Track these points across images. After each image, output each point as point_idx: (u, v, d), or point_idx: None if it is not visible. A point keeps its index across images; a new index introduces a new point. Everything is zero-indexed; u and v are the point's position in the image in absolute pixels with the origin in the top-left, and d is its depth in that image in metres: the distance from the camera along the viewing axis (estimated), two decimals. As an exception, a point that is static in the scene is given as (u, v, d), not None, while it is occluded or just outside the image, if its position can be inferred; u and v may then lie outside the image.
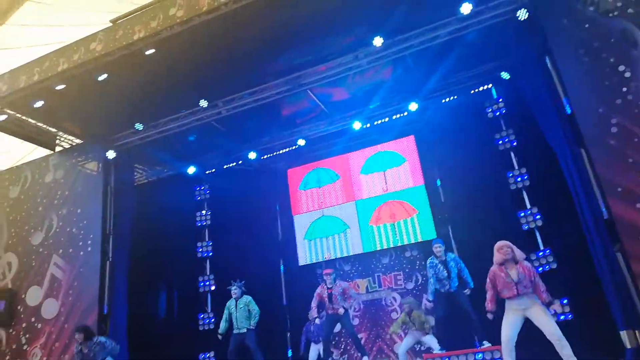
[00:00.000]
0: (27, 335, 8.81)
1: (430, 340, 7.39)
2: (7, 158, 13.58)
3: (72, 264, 8.96)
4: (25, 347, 8.74)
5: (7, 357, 8.81)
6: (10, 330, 8.98)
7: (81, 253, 8.97)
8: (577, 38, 6.35)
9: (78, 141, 10.15)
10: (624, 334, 5.77)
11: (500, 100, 8.65)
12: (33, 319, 8.87)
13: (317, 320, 8.44)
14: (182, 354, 9.30)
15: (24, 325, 8.92)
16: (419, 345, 8.62)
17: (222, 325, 7.68)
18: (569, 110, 6.35)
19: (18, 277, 9.36)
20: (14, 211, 9.96)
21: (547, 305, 5.07)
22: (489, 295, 5.21)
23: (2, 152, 13.72)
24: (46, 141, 10.26)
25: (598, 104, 6.07)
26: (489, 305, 5.21)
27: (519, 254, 5.14)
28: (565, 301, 7.08)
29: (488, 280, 5.20)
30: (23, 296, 9.13)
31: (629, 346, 5.69)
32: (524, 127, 8.06)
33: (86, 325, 7.22)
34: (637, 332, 5.78)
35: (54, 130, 9.97)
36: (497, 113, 8.61)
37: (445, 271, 6.74)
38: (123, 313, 8.75)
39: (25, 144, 11.52)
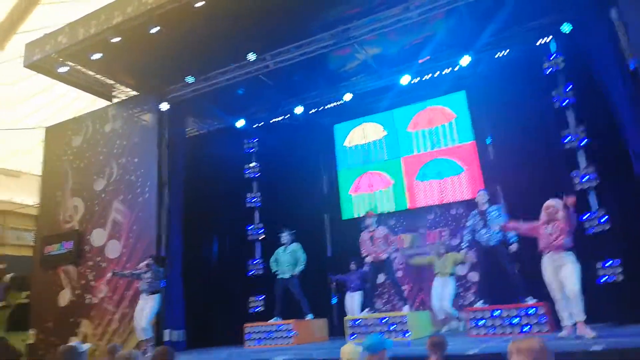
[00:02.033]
0: (94, 273, 9.63)
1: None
2: (69, 109, 14.38)
3: (131, 209, 9.59)
4: (92, 283, 9.60)
5: (77, 292, 9.73)
6: (79, 268, 9.84)
7: (139, 199, 9.56)
8: (646, -12, 5.91)
9: (134, 93, 10.59)
10: (673, 297, 5.68)
11: (560, 55, 8.19)
12: (98, 258, 9.67)
13: (353, 266, 8.65)
14: (233, 297, 9.92)
15: (90, 263, 9.73)
16: (462, 300, 8.79)
17: (272, 266, 8.20)
18: (632, 66, 6.01)
19: (84, 219, 10.13)
20: (78, 159, 10.64)
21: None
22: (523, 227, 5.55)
23: (65, 104, 14.52)
24: (103, 92, 10.81)
25: (665, 61, 5.72)
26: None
27: (563, 214, 5.23)
28: (618, 263, 6.95)
29: (529, 226, 5.49)
30: (89, 237, 9.92)
31: (677, 310, 5.61)
32: (583, 84, 7.65)
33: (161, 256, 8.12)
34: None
35: (111, 82, 10.45)
36: (556, 69, 8.15)
37: (482, 222, 6.76)
38: (178, 256, 9.36)
39: (84, 95, 12.15)
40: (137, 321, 7.65)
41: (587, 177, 7.48)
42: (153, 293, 7.67)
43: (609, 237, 7.04)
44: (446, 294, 7.54)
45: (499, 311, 6.17)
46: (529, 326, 5.91)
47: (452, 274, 7.66)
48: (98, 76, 10.17)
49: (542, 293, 6.04)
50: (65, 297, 9.81)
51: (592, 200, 7.46)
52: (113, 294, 9.24)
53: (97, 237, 9.84)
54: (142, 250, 9.17)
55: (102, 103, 11.33)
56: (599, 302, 5.16)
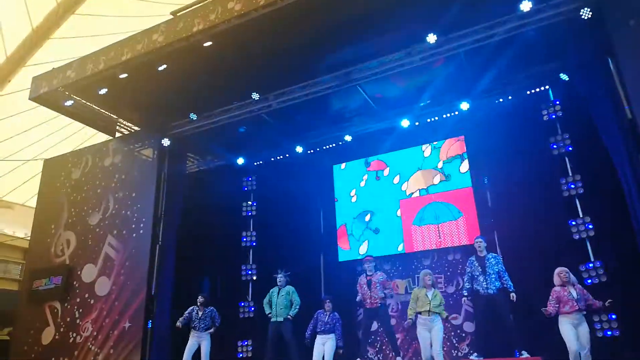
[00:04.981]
0: (81, 310, 9.34)
1: None
2: (69, 142, 14.46)
3: (124, 244, 9.42)
4: (78, 321, 9.28)
5: (62, 329, 9.38)
6: (66, 304, 9.54)
7: (134, 235, 9.41)
8: (643, 40, 6.07)
9: (136, 128, 10.66)
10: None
11: (557, 102, 8.30)
12: (87, 295, 9.40)
13: (329, 306, 7.55)
14: (222, 340, 9.54)
15: (78, 300, 9.46)
16: (456, 351, 8.49)
17: (266, 308, 7.93)
18: (629, 115, 6.07)
19: (75, 254, 9.93)
20: (75, 192, 10.56)
21: (602, 308, 5.99)
22: (550, 304, 6.00)
23: (66, 136, 14.61)
24: (107, 127, 10.86)
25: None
26: (549, 308, 5.98)
27: (573, 278, 6.11)
28: (613, 317, 6.74)
29: (553, 294, 6.02)
30: (79, 273, 9.68)
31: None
32: (581, 132, 7.69)
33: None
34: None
35: (114, 116, 10.54)
36: (553, 116, 8.23)
37: (480, 268, 6.63)
38: (169, 295, 9.11)
39: (87, 129, 12.24)
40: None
41: (584, 226, 7.36)
42: (208, 330, 8.00)
43: (605, 289, 6.84)
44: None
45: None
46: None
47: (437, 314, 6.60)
48: (102, 110, 10.25)
49: (535, 345, 5.94)
50: (49, 335, 9.45)
51: (589, 250, 7.32)
52: (98, 333, 8.92)
53: (88, 272, 9.60)
54: (131, 288, 8.94)
55: (102, 137, 11.38)
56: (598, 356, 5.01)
